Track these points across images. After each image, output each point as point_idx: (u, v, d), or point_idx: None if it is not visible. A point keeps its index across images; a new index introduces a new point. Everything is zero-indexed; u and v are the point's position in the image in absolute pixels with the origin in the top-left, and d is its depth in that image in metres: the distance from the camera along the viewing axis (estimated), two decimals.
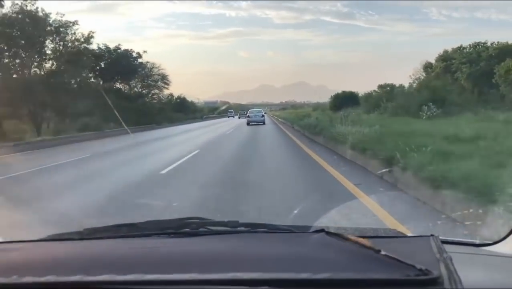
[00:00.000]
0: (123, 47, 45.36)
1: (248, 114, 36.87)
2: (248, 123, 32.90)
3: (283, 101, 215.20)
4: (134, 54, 46.30)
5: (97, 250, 1.12)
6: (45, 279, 0.84)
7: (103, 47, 42.76)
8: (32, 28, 27.95)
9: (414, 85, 40.12)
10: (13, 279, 0.85)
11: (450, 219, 4.36)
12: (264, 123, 33.40)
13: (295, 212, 4.71)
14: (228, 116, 77.88)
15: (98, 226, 1.38)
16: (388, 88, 40.54)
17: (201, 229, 1.24)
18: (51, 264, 0.98)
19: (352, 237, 0.98)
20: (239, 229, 1.24)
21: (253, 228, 1.25)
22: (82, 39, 31.77)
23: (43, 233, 1.37)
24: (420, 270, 0.81)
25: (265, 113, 41.45)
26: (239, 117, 60.00)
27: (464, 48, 39.52)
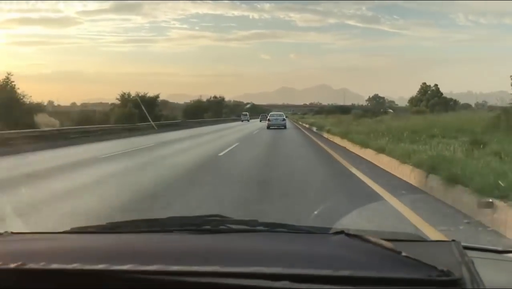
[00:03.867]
0: None
1: (268, 117, 36.01)
2: (268, 127, 32.23)
3: (307, 103, 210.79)
4: None
5: (120, 243, 1.15)
6: (71, 267, 0.86)
7: None
8: None
9: None
10: (42, 265, 0.88)
11: None
12: (285, 127, 32.52)
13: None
14: (242, 120, 63.13)
15: (120, 220, 1.41)
16: None
17: (221, 227, 1.26)
18: (76, 254, 1.01)
19: (373, 239, 0.98)
20: (258, 228, 1.25)
21: (272, 227, 1.26)
22: None
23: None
24: (442, 271, 0.80)
25: (286, 117, 39.55)
26: (260, 121, 55.05)
27: None
